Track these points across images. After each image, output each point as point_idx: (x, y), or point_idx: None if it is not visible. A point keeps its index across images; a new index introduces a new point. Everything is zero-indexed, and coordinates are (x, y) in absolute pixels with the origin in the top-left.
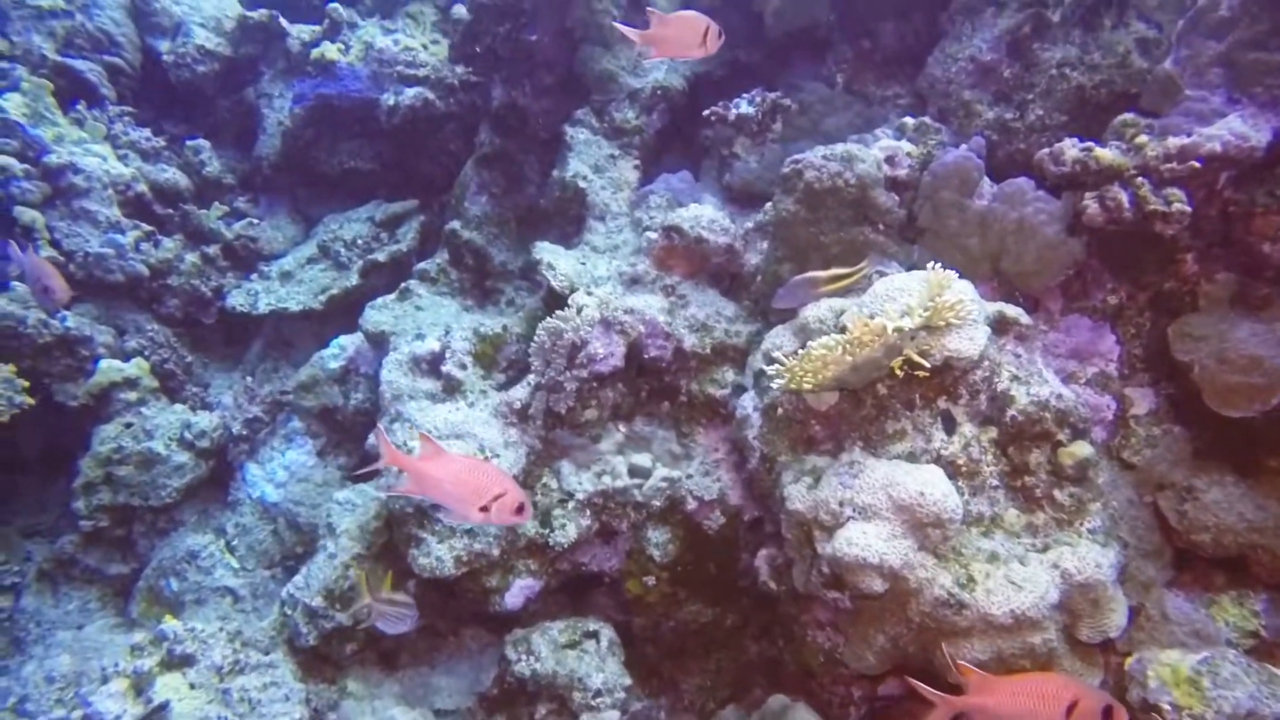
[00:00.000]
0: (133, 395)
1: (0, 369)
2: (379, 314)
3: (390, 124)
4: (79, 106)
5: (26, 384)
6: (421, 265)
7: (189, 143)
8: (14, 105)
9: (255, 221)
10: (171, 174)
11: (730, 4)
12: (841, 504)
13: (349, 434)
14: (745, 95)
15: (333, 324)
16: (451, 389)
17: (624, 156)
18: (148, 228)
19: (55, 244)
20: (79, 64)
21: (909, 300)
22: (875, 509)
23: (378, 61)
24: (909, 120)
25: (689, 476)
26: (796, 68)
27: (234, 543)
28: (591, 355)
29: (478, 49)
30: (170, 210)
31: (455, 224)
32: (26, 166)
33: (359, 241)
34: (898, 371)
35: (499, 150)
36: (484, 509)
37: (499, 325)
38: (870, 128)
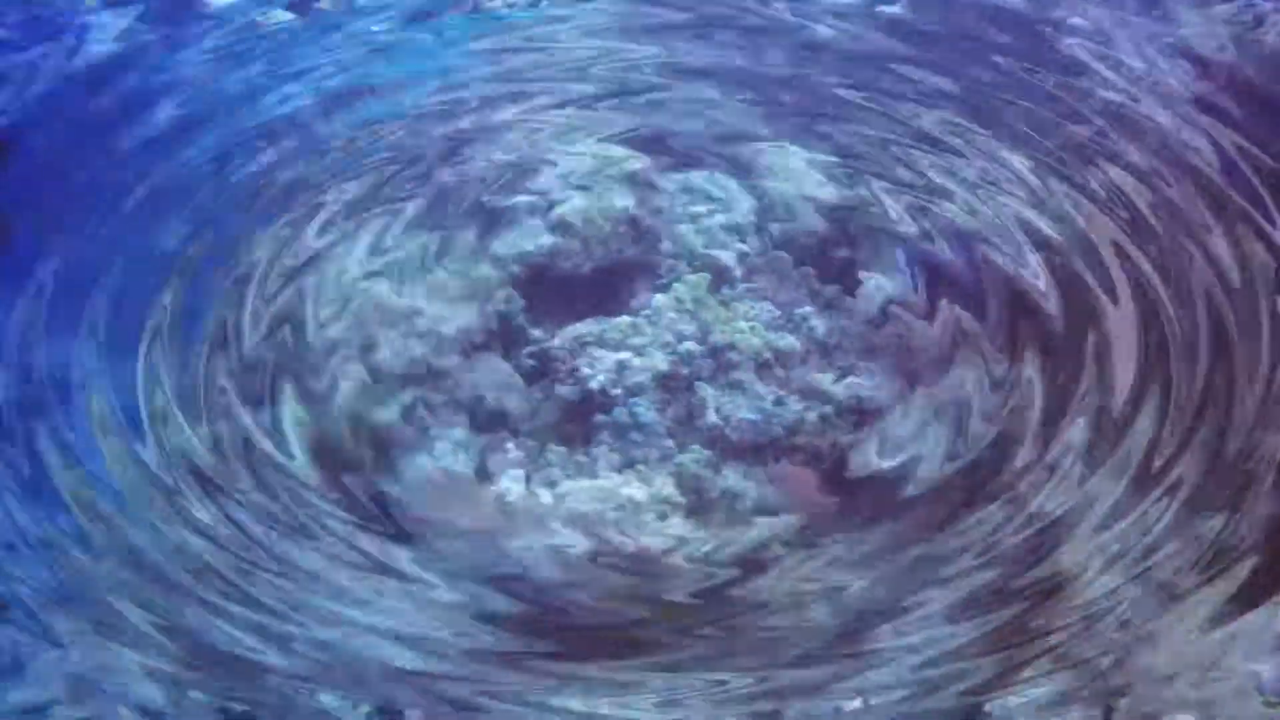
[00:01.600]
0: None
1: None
2: None
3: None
4: (723, 290)
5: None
6: None
7: (796, 311)
8: (679, 296)
9: (862, 381)
10: (788, 340)
11: None
12: None
13: None
14: None
15: None
16: None
17: None
18: (779, 392)
19: (717, 409)
20: (721, 255)
21: None
22: None
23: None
24: None
25: None
26: None
27: None
28: None
29: None
30: (784, 372)
31: None
32: (702, 348)
33: None
34: None
35: None
36: None
37: None
38: None
